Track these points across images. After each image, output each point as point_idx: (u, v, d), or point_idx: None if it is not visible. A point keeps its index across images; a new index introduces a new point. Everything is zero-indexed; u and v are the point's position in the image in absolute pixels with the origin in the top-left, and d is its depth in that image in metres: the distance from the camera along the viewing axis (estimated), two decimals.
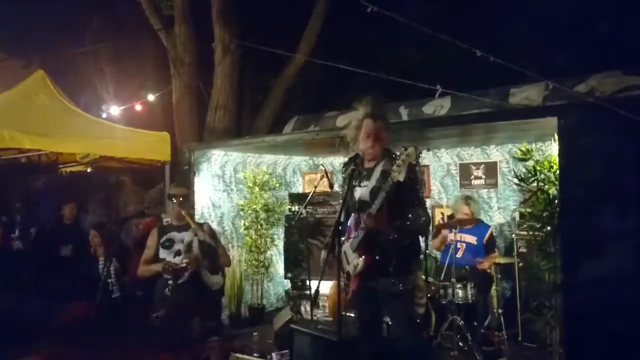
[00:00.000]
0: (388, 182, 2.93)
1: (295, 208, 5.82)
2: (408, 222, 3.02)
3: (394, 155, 3.04)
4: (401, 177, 2.84)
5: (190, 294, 3.72)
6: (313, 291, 3.11)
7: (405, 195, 3.02)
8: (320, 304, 5.44)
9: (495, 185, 5.61)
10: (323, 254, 3.25)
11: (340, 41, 8.87)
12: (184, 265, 3.71)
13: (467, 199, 4.99)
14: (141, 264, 3.94)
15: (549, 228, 3.65)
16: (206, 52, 7.63)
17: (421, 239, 3.58)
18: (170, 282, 3.71)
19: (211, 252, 3.87)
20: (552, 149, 4.21)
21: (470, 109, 5.30)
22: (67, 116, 5.75)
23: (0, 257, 5.66)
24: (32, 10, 9.44)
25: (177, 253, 3.81)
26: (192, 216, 4.10)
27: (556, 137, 3.50)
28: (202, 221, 4.79)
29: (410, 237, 3.10)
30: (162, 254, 3.84)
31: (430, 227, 5.58)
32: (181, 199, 3.98)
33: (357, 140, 3.22)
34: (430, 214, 5.89)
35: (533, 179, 3.78)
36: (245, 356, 4.55)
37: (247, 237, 6.11)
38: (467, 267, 4.77)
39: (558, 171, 3.51)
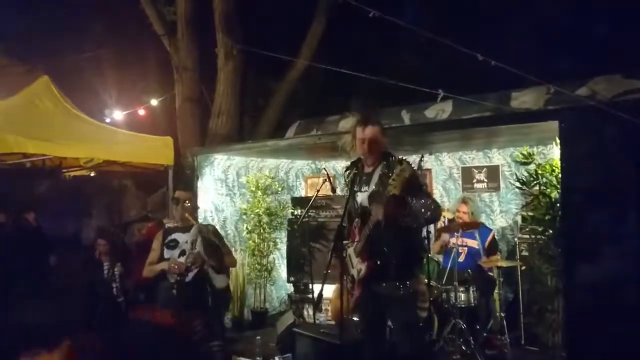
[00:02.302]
0: (385, 194, 2.95)
1: (298, 212, 5.83)
2: (420, 209, 3.02)
3: (390, 161, 3.05)
4: (397, 191, 2.87)
5: (196, 294, 3.74)
6: (316, 295, 3.12)
7: (410, 192, 3.04)
8: (323, 307, 5.43)
9: (497, 188, 5.62)
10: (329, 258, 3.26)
11: (342, 46, 8.90)
12: (189, 264, 3.73)
13: (465, 198, 4.99)
14: (146, 265, 3.96)
15: (550, 231, 3.67)
16: (209, 57, 7.67)
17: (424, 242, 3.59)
18: (177, 279, 3.73)
19: (215, 251, 3.88)
20: (553, 152, 4.23)
21: (471, 112, 5.32)
22: (70, 121, 5.78)
23: None
24: (36, 16, 9.51)
25: (182, 253, 3.81)
26: (195, 219, 4.11)
27: (557, 140, 3.51)
28: (205, 223, 4.79)
29: (408, 240, 3.10)
30: (167, 254, 3.84)
31: (432, 231, 5.59)
32: (186, 202, 4.00)
33: (354, 148, 3.26)
34: None
35: (535, 182, 3.80)
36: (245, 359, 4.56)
37: (250, 241, 6.13)
38: (469, 270, 4.77)
39: (560, 175, 3.52)
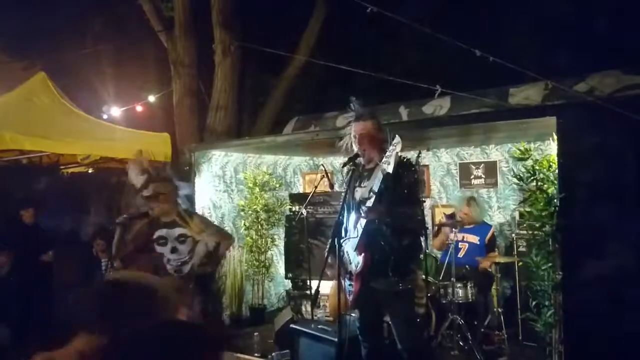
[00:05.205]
0: (379, 175, 2.94)
1: (296, 208, 5.82)
2: (401, 220, 3.03)
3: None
4: (390, 169, 2.85)
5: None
6: (313, 291, 3.11)
7: (401, 193, 3.04)
8: (321, 303, 5.44)
9: (495, 184, 5.62)
10: (326, 255, 3.25)
11: (340, 42, 8.88)
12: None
13: (470, 200, 4.99)
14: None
15: (548, 227, 3.66)
16: (206, 53, 7.65)
17: (422, 239, 3.59)
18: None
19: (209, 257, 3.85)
20: (551, 148, 4.22)
21: (469, 108, 5.32)
22: (68, 118, 5.77)
23: None
24: (33, 13, 9.46)
25: (173, 250, 3.77)
26: (179, 213, 3.93)
27: (555, 136, 3.51)
28: (189, 211, 4.48)
29: (406, 236, 3.10)
30: (159, 249, 3.79)
31: (430, 227, 5.60)
32: (160, 196, 3.80)
33: (352, 145, 3.25)
34: (431, 214, 5.93)
35: (532, 178, 3.79)
36: (246, 356, 4.56)
37: (248, 238, 6.12)
38: (467, 266, 4.78)
39: (557, 170, 3.52)
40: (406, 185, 3.06)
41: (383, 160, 2.88)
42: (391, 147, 2.86)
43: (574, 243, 3.38)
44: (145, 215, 3.99)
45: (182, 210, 3.91)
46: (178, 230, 3.78)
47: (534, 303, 3.81)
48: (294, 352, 4.21)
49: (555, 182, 3.57)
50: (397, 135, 2.88)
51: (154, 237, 3.79)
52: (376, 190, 2.96)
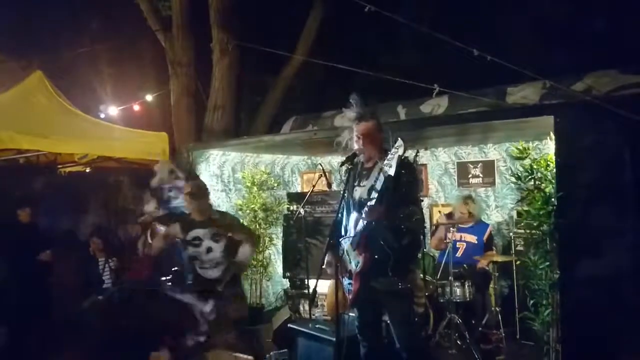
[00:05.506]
0: (380, 177, 2.94)
1: (294, 207, 5.82)
2: (401, 219, 3.03)
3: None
4: (391, 171, 2.85)
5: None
6: (311, 290, 3.11)
7: (401, 192, 3.03)
8: (319, 303, 5.44)
9: (492, 183, 5.63)
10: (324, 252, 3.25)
11: (338, 41, 8.87)
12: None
13: (467, 199, 5.00)
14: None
15: (546, 226, 3.67)
16: (204, 52, 7.64)
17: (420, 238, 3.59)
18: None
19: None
20: (549, 147, 4.23)
21: (467, 108, 5.32)
22: (65, 117, 5.75)
23: None
24: (31, 12, 9.44)
25: (208, 250, 3.74)
26: (213, 212, 3.97)
27: (552, 135, 3.52)
28: (220, 211, 4.42)
29: (405, 236, 3.10)
30: (193, 252, 3.75)
31: (428, 226, 5.61)
32: (197, 193, 3.85)
33: (351, 143, 3.25)
34: (429, 213, 5.93)
35: (530, 177, 3.80)
36: (245, 355, 4.56)
37: None
38: (464, 265, 4.78)
39: (554, 169, 3.53)
40: (405, 185, 3.05)
41: (385, 163, 2.88)
42: (393, 150, 2.85)
43: (571, 242, 3.38)
44: (170, 216, 3.96)
45: (215, 209, 3.96)
46: (212, 229, 3.76)
47: (531, 302, 3.82)
48: (292, 351, 4.21)
49: (553, 181, 3.58)
50: (399, 138, 2.88)
51: (188, 238, 3.75)
52: (378, 190, 2.96)
